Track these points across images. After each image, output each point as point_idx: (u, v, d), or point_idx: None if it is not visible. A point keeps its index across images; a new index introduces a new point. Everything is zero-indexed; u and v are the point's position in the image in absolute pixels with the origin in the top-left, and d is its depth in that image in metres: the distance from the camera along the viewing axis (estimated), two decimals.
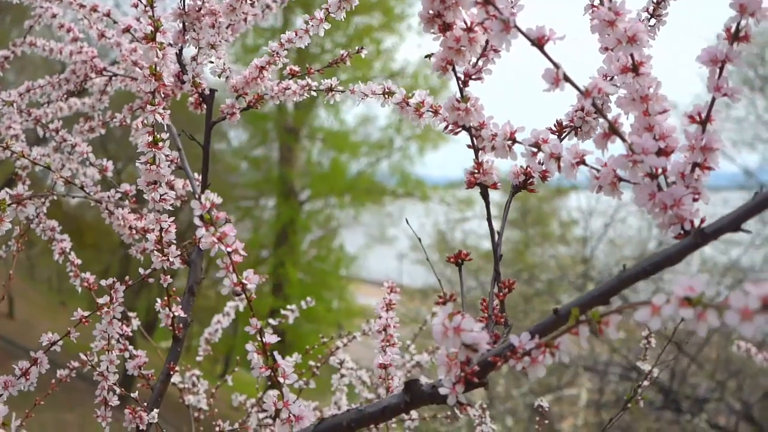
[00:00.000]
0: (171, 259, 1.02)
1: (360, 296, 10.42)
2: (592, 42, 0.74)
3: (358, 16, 9.89)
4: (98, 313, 1.06)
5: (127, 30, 1.12)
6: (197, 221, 0.74)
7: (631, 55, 0.67)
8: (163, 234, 1.03)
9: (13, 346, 7.54)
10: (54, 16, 1.37)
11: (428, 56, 0.76)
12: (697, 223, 0.63)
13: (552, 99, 0.79)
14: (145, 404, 1.10)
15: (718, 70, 0.64)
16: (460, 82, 0.76)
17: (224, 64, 1.15)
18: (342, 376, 1.62)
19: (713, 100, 0.64)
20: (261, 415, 1.50)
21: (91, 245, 9.05)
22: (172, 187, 1.02)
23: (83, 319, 1.06)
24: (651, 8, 0.88)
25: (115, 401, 1.08)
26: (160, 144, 0.95)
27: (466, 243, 7.92)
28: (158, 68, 0.95)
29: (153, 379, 1.13)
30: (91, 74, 1.40)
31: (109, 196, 1.20)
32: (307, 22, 1.14)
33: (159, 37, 0.95)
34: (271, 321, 1.56)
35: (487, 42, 0.75)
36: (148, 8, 0.95)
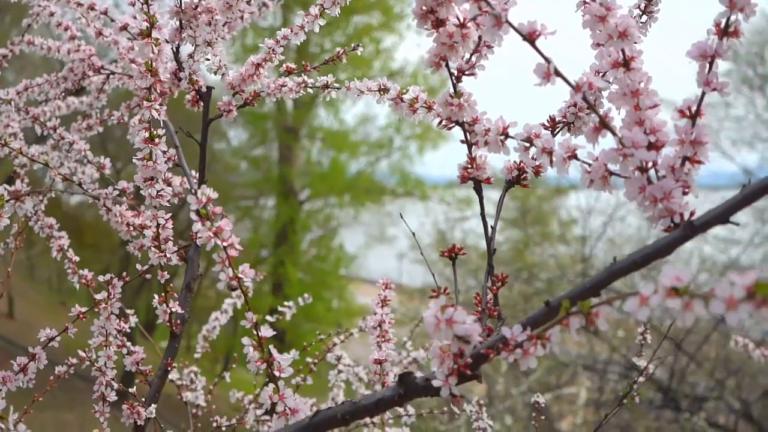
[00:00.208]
0: (168, 256, 1.03)
1: (360, 296, 10.43)
2: (588, 40, 0.75)
3: (358, 16, 9.91)
4: (96, 309, 1.06)
5: (124, 28, 1.13)
6: (194, 216, 0.74)
7: (622, 50, 0.68)
8: (160, 230, 1.03)
9: (13, 345, 7.55)
10: (52, 14, 1.38)
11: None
12: (687, 216, 0.64)
13: (546, 96, 0.80)
14: (143, 400, 1.10)
15: (707, 65, 0.65)
16: (453, 77, 0.77)
17: (220, 61, 1.16)
18: (339, 372, 1.62)
19: (703, 94, 0.65)
20: (258, 412, 1.51)
21: (90, 245, 9.07)
22: (169, 184, 1.03)
23: (81, 315, 1.06)
24: (643, 5, 0.89)
25: (113, 397, 1.09)
26: (157, 140, 0.95)
27: (466, 242, 7.93)
28: (154, 64, 0.96)
29: (151, 375, 1.14)
30: (88, 72, 1.41)
31: (106, 193, 1.20)
32: (303, 19, 1.14)
33: (155, 33, 0.96)
34: (269, 318, 1.57)
35: (480, 38, 0.76)
36: (144, 5, 0.96)
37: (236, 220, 10.04)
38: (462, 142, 0.80)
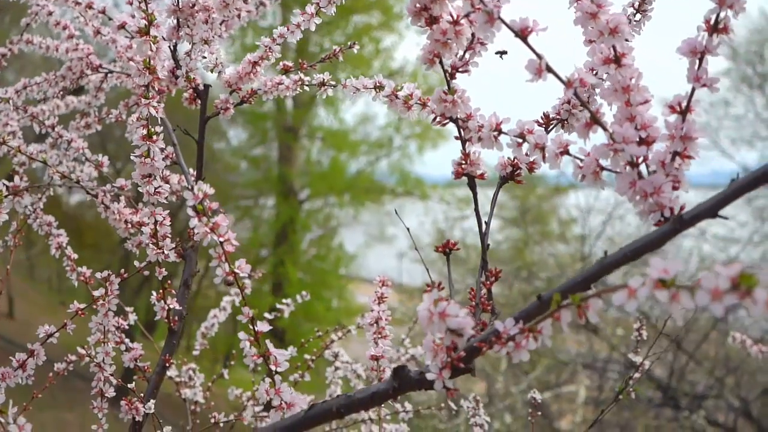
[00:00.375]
0: (166, 252, 1.04)
1: (359, 295, 10.43)
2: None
3: (357, 15, 9.92)
4: (94, 306, 1.07)
5: (122, 27, 1.14)
6: (190, 211, 0.75)
7: (613, 47, 0.69)
8: (158, 227, 1.04)
9: (13, 345, 7.55)
10: (50, 13, 1.38)
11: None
12: (677, 210, 0.65)
13: (541, 94, 0.80)
14: (141, 396, 1.11)
15: (697, 61, 0.66)
16: (447, 74, 0.78)
17: (217, 59, 1.17)
18: (336, 368, 1.63)
19: (693, 90, 0.66)
20: (257, 409, 1.52)
21: (90, 245, 9.08)
22: (167, 181, 1.03)
23: (79, 312, 1.07)
24: (637, 3, 0.90)
25: (111, 392, 1.10)
26: (154, 137, 0.96)
27: (465, 241, 7.93)
28: (152, 61, 0.96)
29: (149, 371, 1.15)
30: (87, 71, 1.42)
31: (104, 191, 1.21)
32: (299, 17, 1.15)
33: (152, 31, 0.97)
34: (267, 315, 1.58)
35: (473, 35, 0.77)
36: (141, 3, 0.97)
37: (236, 220, 10.05)
38: (456, 138, 0.80)
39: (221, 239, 0.75)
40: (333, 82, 1.16)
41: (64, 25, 1.40)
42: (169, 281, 1.11)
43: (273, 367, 0.79)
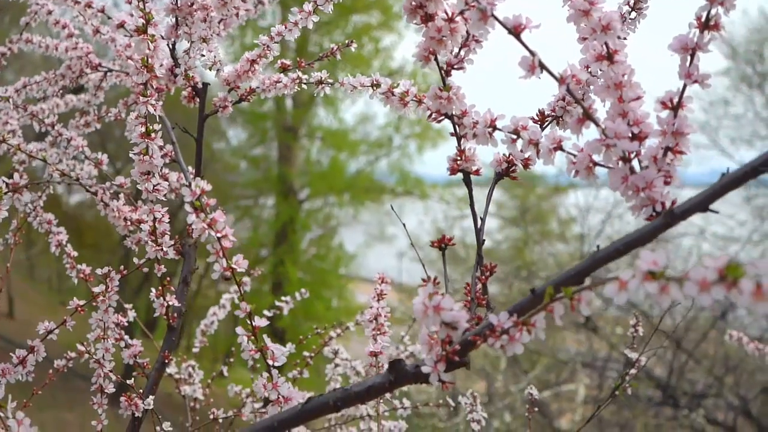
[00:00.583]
0: (165, 249, 1.05)
1: (359, 295, 10.44)
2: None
3: (357, 15, 9.93)
4: (94, 303, 1.08)
5: (121, 25, 1.15)
6: (188, 208, 0.76)
7: (606, 44, 0.69)
8: (156, 224, 1.05)
9: (13, 345, 7.55)
10: (50, 12, 1.39)
11: None
12: (668, 205, 0.65)
13: (536, 91, 0.81)
14: (141, 392, 1.12)
15: (689, 58, 0.67)
16: (442, 71, 0.79)
17: (215, 57, 1.18)
18: (336, 366, 1.64)
19: (684, 86, 0.67)
20: (256, 405, 1.53)
21: (90, 245, 9.09)
22: (165, 179, 1.04)
23: (79, 308, 1.08)
24: (632, 1, 0.91)
25: (110, 389, 1.10)
26: (153, 135, 0.97)
27: (465, 240, 7.95)
28: (149, 60, 0.97)
29: (148, 368, 1.16)
30: (86, 70, 1.42)
31: (104, 188, 1.22)
32: (297, 16, 1.16)
33: (150, 30, 0.98)
34: (266, 313, 1.58)
35: (468, 32, 0.77)
36: (140, 2, 0.97)
37: (236, 220, 10.06)
38: (451, 134, 0.81)
39: (219, 235, 0.76)
40: (330, 81, 1.17)
41: (63, 24, 1.40)
42: (168, 278, 1.12)
43: (270, 362, 0.80)
